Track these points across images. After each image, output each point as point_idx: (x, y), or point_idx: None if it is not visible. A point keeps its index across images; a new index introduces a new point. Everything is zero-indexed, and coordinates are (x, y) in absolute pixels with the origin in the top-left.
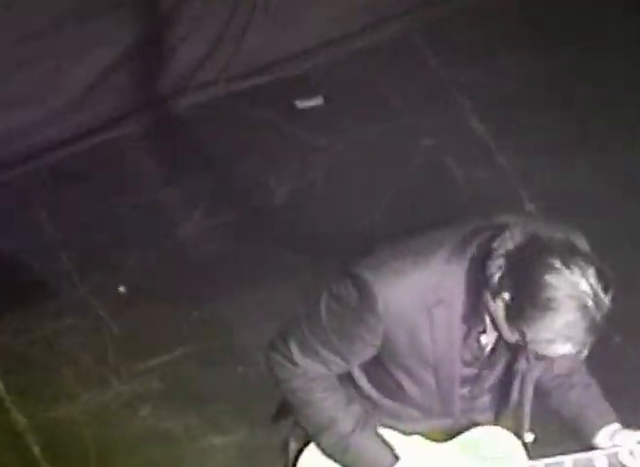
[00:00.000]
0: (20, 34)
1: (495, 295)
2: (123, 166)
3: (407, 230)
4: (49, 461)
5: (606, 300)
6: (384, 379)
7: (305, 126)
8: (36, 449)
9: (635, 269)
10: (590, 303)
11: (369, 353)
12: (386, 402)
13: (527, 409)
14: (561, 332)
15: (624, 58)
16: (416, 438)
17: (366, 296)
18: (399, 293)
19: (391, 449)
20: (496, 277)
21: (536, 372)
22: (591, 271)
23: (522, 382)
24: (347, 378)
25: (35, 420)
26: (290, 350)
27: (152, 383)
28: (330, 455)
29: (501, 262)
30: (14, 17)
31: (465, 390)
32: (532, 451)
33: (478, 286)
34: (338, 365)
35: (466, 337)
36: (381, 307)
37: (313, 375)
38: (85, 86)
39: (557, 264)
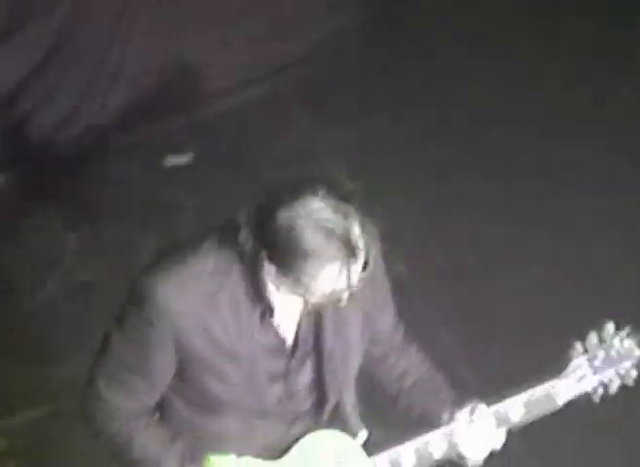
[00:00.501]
0: None
1: (259, 264)
2: None
3: None
4: None
5: (350, 207)
6: (196, 392)
7: (172, 185)
8: None
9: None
10: (332, 216)
11: (169, 365)
12: (207, 423)
13: (349, 404)
14: (326, 261)
15: (483, 119)
16: (250, 460)
17: (144, 299)
18: (177, 286)
19: None
20: (248, 247)
21: (353, 356)
22: (321, 191)
23: (337, 371)
24: (167, 411)
25: None
26: (97, 388)
27: (15, 442)
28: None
29: (245, 230)
30: None
31: (278, 388)
32: (372, 447)
33: (246, 262)
34: (145, 389)
35: (260, 321)
36: (162, 306)
37: (128, 413)
38: None
39: (285, 199)
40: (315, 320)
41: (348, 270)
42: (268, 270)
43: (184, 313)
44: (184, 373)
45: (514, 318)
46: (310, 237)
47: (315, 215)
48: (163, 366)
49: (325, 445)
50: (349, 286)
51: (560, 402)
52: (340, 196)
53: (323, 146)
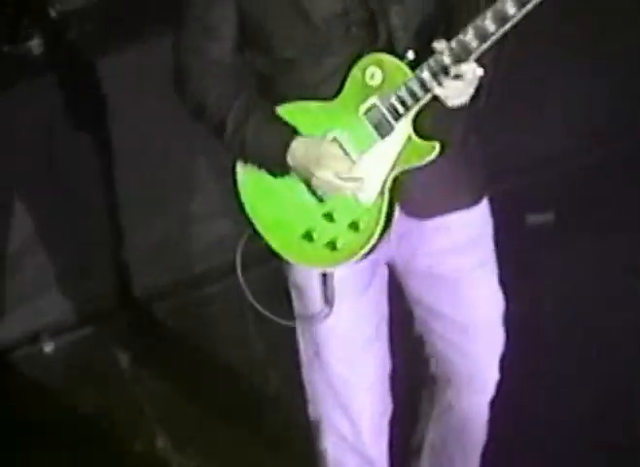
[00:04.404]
0: None
1: None
2: None
3: None
4: None
5: None
6: (259, 38)
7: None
8: None
9: None
10: None
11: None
12: (285, 78)
13: (400, 28)
14: None
15: None
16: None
17: None
18: None
19: (290, 126)
20: None
21: None
22: None
23: None
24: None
25: None
26: (177, 62)
27: None
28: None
29: None
30: None
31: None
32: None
33: None
34: (215, 48)
35: None
36: None
37: (211, 71)
38: None
39: None
40: None
41: None
42: None
43: None
44: (247, 25)
45: None
46: None
47: None
48: (224, 15)
49: (374, 69)
50: None
51: None
52: None
53: None
